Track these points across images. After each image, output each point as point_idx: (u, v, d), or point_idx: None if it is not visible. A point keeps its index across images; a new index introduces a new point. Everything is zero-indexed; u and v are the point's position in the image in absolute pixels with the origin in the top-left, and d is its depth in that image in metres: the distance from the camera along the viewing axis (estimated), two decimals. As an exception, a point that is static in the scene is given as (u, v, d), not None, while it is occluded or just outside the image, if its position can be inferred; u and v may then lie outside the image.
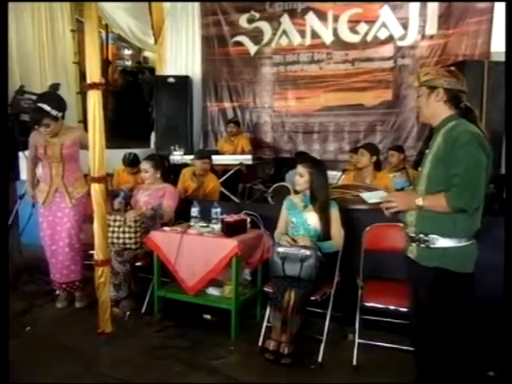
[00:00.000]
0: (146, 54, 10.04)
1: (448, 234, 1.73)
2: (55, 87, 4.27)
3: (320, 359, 2.51)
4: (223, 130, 6.22)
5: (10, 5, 6.75)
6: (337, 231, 2.74)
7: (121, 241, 3.10)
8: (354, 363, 2.47)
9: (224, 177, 5.00)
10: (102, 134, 2.44)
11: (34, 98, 4.21)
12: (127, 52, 10.53)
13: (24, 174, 4.47)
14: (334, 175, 4.44)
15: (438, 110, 1.84)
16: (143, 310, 3.17)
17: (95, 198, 2.48)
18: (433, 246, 1.76)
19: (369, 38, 5.54)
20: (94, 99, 2.38)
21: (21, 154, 4.61)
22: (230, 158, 5.28)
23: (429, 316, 1.83)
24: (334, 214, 2.76)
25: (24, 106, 4.04)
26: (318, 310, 2.72)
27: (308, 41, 5.82)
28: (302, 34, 5.83)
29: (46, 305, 3.37)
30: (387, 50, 5.47)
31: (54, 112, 3.01)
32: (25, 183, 4.28)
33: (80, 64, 6.70)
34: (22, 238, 4.15)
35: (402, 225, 1.97)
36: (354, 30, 5.60)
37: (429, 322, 1.83)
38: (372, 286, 2.62)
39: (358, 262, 2.75)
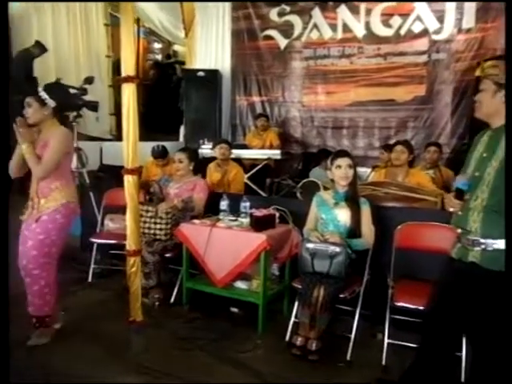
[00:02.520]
0: (176, 47, 10.13)
1: (502, 236, 1.71)
2: (89, 80, 4.39)
3: (348, 357, 2.49)
4: (251, 124, 6.22)
5: (47, -1, 6.95)
6: (368, 229, 2.70)
7: (152, 231, 3.16)
8: (383, 363, 2.44)
9: (252, 171, 5.00)
10: (136, 127, 2.48)
11: (70, 90, 4.32)
12: (157, 46, 10.64)
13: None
14: (363, 172, 4.39)
15: (502, 110, 1.75)
16: (172, 301, 3.22)
17: (128, 190, 2.52)
18: (498, 248, 1.73)
19: (402, 31, 5.41)
20: (129, 92, 2.41)
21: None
22: (258, 152, 5.28)
23: (486, 319, 1.79)
24: (366, 211, 2.72)
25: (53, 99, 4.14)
26: (347, 308, 2.69)
27: (339, 34, 5.74)
28: (333, 27, 5.75)
29: (79, 292, 3.48)
30: (421, 44, 5.33)
31: (42, 94, 2.58)
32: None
33: (112, 58, 6.83)
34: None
35: (455, 228, 1.91)
36: (387, 24, 5.48)
37: (483, 326, 1.80)
38: (403, 285, 2.57)
39: (389, 260, 2.71)
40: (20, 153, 2.58)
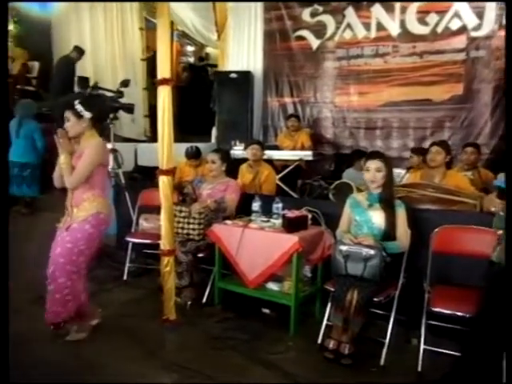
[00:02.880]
0: (208, 50, 10.26)
1: None
2: (125, 83, 4.50)
3: (382, 362, 2.45)
4: (283, 125, 6.20)
5: (84, 4, 7.21)
6: (403, 231, 2.63)
7: (185, 231, 3.20)
8: (419, 369, 2.37)
9: (283, 172, 4.99)
10: (171, 129, 2.52)
11: (107, 93, 4.45)
12: (190, 48, 10.81)
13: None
14: (397, 173, 4.29)
15: None
16: (204, 301, 3.25)
17: (163, 191, 2.57)
18: None
19: (439, 29, 5.26)
20: (164, 94, 2.46)
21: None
22: (290, 153, 5.25)
23: None
24: (401, 213, 2.65)
25: (98, 101, 4.29)
26: (381, 312, 2.64)
27: (373, 33, 5.63)
28: (367, 26, 5.66)
29: (114, 289, 3.57)
30: (459, 42, 5.16)
31: (78, 107, 2.62)
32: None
33: (147, 61, 7.00)
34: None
35: (496, 230, 1.84)
36: (423, 21, 5.34)
37: None
38: (440, 290, 2.49)
39: (425, 264, 2.64)
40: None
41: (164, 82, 2.43)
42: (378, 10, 5.55)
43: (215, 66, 9.12)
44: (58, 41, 7.62)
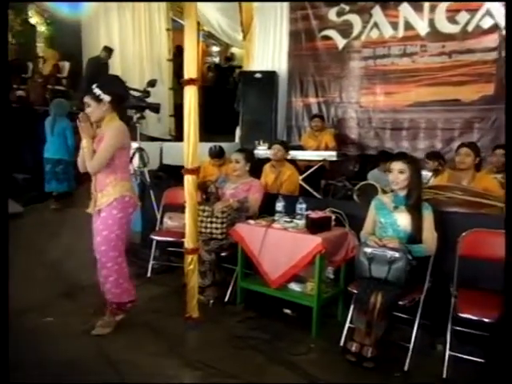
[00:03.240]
0: (233, 50, 10.31)
1: None
2: (152, 83, 4.58)
3: (406, 367, 2.40)
4: (307, 126, 6.17)
5: (113, 5, 7.36)
6: (429, 234, 2.58)
7: (208, 230, 3.22)
8: (444, 376, 2.32)
9: (306, 172, 4.97)
10: (197, 128, 2.55)
11: (134, 93, 4.53)
12: (215, 49, 10.90)
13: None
14: (424, 175, 4.20)
15: None
16: (226, 300, 3.27)
17: (188, 189, 2.60)
18: None
19: (470, 27, 5.13)
20: (191, 94, 2.49)
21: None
22: (314, 153, 5.23)
23: None
24: (427, 216, 2.60)
25: (125, 100, 4.38)
26: (406, 316, 2.59)
27: (401, 33, 5.55)
28: (395, 25, 5.57)
29: (138, 286, 3.61)
30: (491, 41, 5.02)
31: (96, 90, 2.60)
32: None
33: (173, 61, 7.08)
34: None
35: None
36: (452, 20, 5.22)
37: None
38: (467, 295, 2.43)
39: (452, 268, 2.58)
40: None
41: (190, 82, 2.45)
42: (406, 9, 5.46)
43: (239, 67, 9.17)
44: (87, 41, 7.81)
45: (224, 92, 9.12)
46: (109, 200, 2.63)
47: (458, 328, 2.42)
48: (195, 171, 2.59)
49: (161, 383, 2.31)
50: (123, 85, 3.15)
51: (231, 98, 8.22)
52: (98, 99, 2.61)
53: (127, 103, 4.42)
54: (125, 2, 7.10)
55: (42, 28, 8.17)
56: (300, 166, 5.06)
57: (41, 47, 8.22)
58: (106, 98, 2.61)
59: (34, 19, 8.09)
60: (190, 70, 2.47)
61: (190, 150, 2.56)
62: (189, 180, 2.59)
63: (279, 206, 3.19)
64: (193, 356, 2.56)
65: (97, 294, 3.36)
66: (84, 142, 2.64)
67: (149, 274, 3.83)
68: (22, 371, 2.34)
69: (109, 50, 6.49)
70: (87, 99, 2.63)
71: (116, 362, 2.47)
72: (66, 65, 7.54)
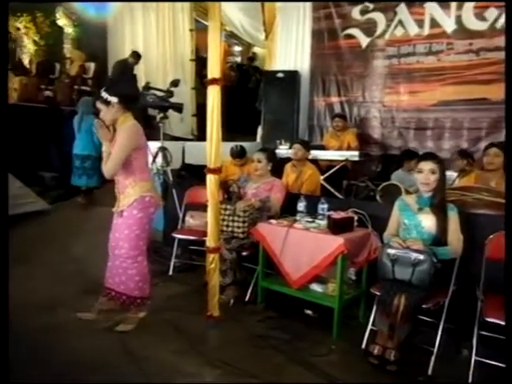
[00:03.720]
0: (255, 49, 10.33)
1: None
2: (175, 83, 4.62)
3: (430, 371, 2.36)
4: (329, 125, 6.13)
5: (138, 6, 7.47)
6: (455, 236, 2.52)
7: (230, 229, 3.24)
8: (470, 381, 2.27)
9: (328, 172, 4.93)
10: (219, 128, 2.56)
11: (157, 93, 4.59)
12: (237, 48, 10.95)
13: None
14: (449, 175, 4.12)
15: None
16: (247, 299, 3.27)
17: (210, 189, 2.62)
18: None
19: (498, 24, 4.99)
20: (214, 94, 2.50)
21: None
22: (336, 153, 5.18)
23: None
24: (453, 217, 2.54)
25: (149, 100, 4.44)
26: (430, 320, 2.54)
27: (426, 30, 5.44)
28: (420, 23, 5.47)
29: (160, 283, 3.67)
30: (521, 38, 4.86)
31: (103, 94, 2.64)
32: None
33: (195, 61, 7.15)
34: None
35: None
36: (480, 17, 5.09)
37: None
38: (494, 299, 2.36)
39: (478, 271, 2.52)
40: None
41: (214, 81, 2.47)
42: (432, 7, 5.36)
43: (256, 68, 9.21)
44: (112, 42, 7.95)
45: (246, 92, 9.15)
46: (129, 201, 2.70)
47: (484, 333, 2.36)
48: (217, 171, 2.60)
49: (182, 380, 2.33)
50: (132, 84, 3.17)
51: (253, 98, 8.25)
52: (106, 102, 2.65)
53: (146, 102, 4.50)
54: (149, 1, 7.20)
55: (69, 30, 8.37)
56: (322, 166, 5.03)
57: (68, 48, 8.42)
58: (114, 99, 2.64)
59: (61, 21, 8.29)
60: (214, 70, 2.48)
61: (213, 149, 2.57)
62: (211, 179, 2.61)
63: (301, 205, 3.17)
64: (213, 354, 2.57)
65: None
66: (104, 147, 2.71)
67: (170, 272, 3.86)
68: (47, 366, 2.41)
69: (137, 56, 6.60)
70: (98, 104, 2.68)
71: (139, 359, 2.51)
72: (92, 65, 7.69)
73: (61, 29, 8.44)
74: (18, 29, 8.87)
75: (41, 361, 2.47)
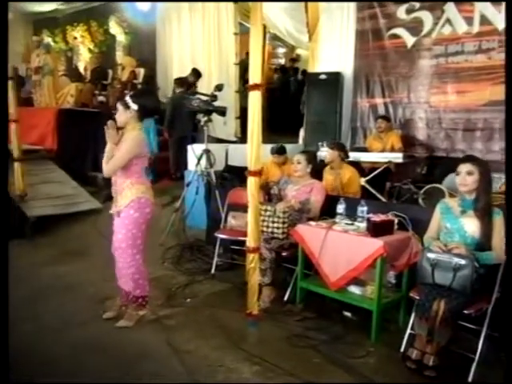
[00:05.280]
0: (299, 51, 10.35)
1: None
2: (219, 87, 4.76)
3: (470, 379, 2.31)
4: (373, 127, 6.05)
5: (186, 12, 7.72)
6: (499, 242, 2.44)
7: (269, 230, 3.31)
8: (512, 391, 2.20)
9: (371, 175, 4.88)
10: (260, 132, 2.64)
11: (202, 97, 4.74)
12: (281, 50, 11.01)
13: (191, 165, 5.10)
14: (497, 178, 3.96)
15: None
16: (285, 299, 3.33)
17: (250, 190, 2.70)
18: None
19: (555, 19, 4.72)
20: (255, 99, 2.58)
21: (189, 147, 5.28)
22: (379, 155, 5.11)
23: None
24: (498, 222, 2.46)
25: (194, 104, 4.60)
26: (471, 326, 2.48)
27: (476, 28, 5.22)
28: (469, 21, 5.26)
29: (203, 281, 3.81)
30: None
31: (127, 98, 2.89)
32: (190, 173, 4.89)
33: (239, 64, 7.28)
34: (187, 220, 4.73)
35: None
36: (537, 12, 4.84)
37: None
38: (541, 308, 2.28)
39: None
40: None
41: (255, 87, 2.55)
42: (482, 3, 5.15)
43: (296, 69, 9.21)
44: (160, 48, 8.28)
45: (289, 93, 9.20)
46: (126, 201, 2.87)
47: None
48: (257, 173, 2.68)
49: (224, 375, 2.43)
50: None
51: (296, 100, 8.29)
52: (126, 105, 2.89)
53: (192, 106, 4.66)
54: (195, 1, 7.39)
55: (121, 37, 8.81)
56: (364, 168, 4.98)
57: (119, 55, 8.86)
58: (134, 106, 2.88)
59: (114, 29, 8.74)
60: (255, 75, 2.56)
61: (253, 152, 2.65)
62: (251, 182, 2.69)
63: (340, 208, 3.19)
64: (252, 351, 2.66)
65: (161, 287, 3.61)
66: (107, 147, 2.91)
67: (213, 271, 3.99)
68: (103, 354, 2.59)
69: (197, 74, 6.80)
70: (118, 104, 2.92)
71: (182, 352, 2.64)
72: (142, 71, 8.03)
73: (113, 37, 8.91)
74: (75, 38, 9.46)
75: (96, 349, 2.66)
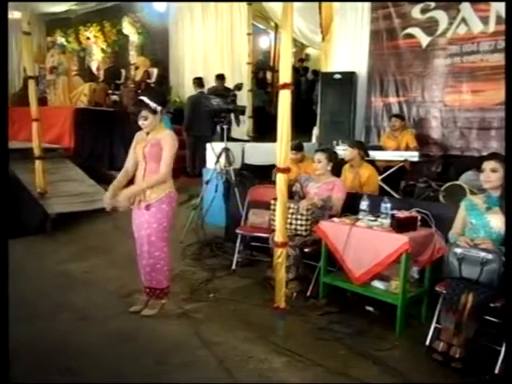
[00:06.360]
0: (308, 50, 10.41)
1: None
2: (239, 87, 4.83)
3: (496, 371, 2.36)
4: (387, 126, 6.09)
5: (199, 13, 7.79)
6: (526, 237, 2.50)
7: (293, 227, 3.37)
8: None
9: (386, 173, 4.93)
10: (289, 130, 2.70)
11: (216, 98, 4.79)
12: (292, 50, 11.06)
13: (210, 163, 5.17)
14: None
15: None
16: (308, 294, 3.38)
17: (279, 187, 2.76)
18: None
19: None
20: (285, 98, 2.64)
21: (208, 145, 5.35)
22: (394, 154, 5.15)
23: None
24: (524, 218, 2.52)
25: (214, 104, 4.67)
26: (497, 321, 2.53)
27: (491, 27, 5.25)
28: (485, 20, 5.29)
29: (225, 277, 3.87)
30: None
31: (152, 104, 2.97)
32: (209, 171, 4.96)
33: (252, 64, 7.35)
34: (206, 218, 4.80)
35: None
36: (552, 11, 4.87)
37: None
38: None
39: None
40: None
41: (285, 86, 2.61)
42: (498, 2, 5.18)
43: (307, 68, 9.24)
44: (173, 48, 8.36)
45: (300, 92, 9.25)
46: (159, 196, 2.96)
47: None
48: (286, 170, 2.74)
49: (254, 366, 2.50)
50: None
51: (307, 99, 8.35)
52: (154, 111, 2.98)
53: (212, 106, 4.73)
54: (210, 1, 7.45)
55: (134, 37, 8.89)
56: (379, 167, 5.03)
57: (132, 55, 8.94)
58: (159, 108, 3.02)
59: (127, 29, 8.82)
60: (285, 74, 2.63)
61: (283, 150, 2.71)
62: (280, 178, 2.75)
63: (364, 204, 3.24)
64: (280, 343, 2.72)
65: (184, 282, 3.68)
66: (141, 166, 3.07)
67: (233, 267, 4.05)
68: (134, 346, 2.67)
69: (221, 78, 6.85)
70: (145, 113, 2.96)
71: (211, 344, 2.71)
72: (155, 71, 8.11)
73: (126, 37, 8.99)
74: (88, 38, 9.55)
75: (126, 340, 2.74)
